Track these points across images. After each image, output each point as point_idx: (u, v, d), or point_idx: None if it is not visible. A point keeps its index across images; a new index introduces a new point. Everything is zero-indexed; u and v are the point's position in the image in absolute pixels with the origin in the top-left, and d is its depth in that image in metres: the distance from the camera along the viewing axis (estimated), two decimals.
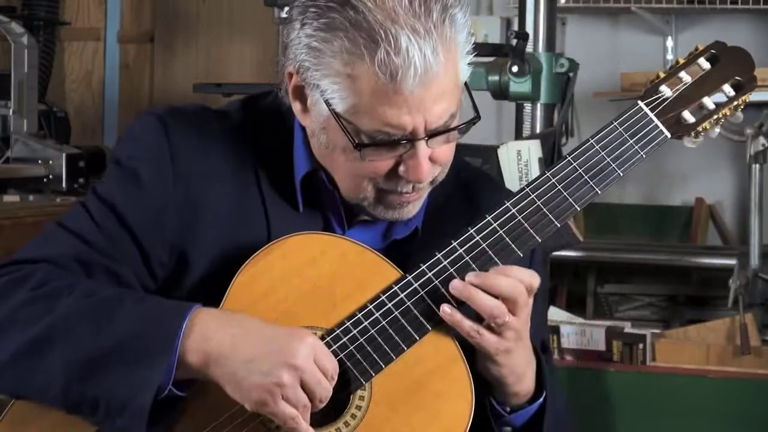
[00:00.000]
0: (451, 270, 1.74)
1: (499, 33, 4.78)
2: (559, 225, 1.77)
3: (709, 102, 1.81)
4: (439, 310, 1.73)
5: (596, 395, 3.38)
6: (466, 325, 1.72)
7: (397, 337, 1.73)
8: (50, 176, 4.33)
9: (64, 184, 4.32)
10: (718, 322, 3.55)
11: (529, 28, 3.33)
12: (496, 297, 1.71)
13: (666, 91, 1.81)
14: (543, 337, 1.95)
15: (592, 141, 1.79)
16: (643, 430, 3.37)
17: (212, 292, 1.73)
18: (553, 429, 1.85)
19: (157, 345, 1.67)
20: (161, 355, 1.66)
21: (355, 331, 1.73)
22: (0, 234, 3.81)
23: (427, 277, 1.74)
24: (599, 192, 1.78)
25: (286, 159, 1.83)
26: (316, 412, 1.71)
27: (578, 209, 1.78)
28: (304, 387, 1.66)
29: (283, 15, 3.44)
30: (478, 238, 1.75)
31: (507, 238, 1.75)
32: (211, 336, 1.67)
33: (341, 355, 1.72)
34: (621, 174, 1.79)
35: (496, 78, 3.21)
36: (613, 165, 1.78)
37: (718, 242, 4.63)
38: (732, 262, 4.01)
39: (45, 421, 1.75)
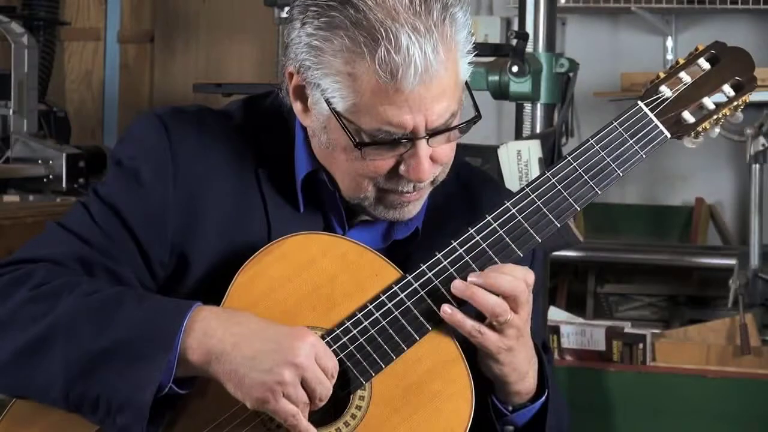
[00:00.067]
0: (451, 270, 1.74)
1: (499, 33, 4.78)
2: (559, 225, 1.77)
3: (709, 102, 1.81)
4: (439, 310, 1.73)
5: (596, 395, 3.39)
6: (468, 324, 1.72)
7: (397, 337, 1.73)
8: (50, 176, 4.33)
9: (64, 184, 4.32)
10: (718, 322, 3.56)
11: (529, 28, 3.33)
12: (497, 295, 1.71)
13: (666, 91, 1.81)
14: (543, 337, 1.95)
15: (592, 141, 1.79)
16: (643, 430, 3.38)
17: (213, 293, 1.73)
18: (555, 428, 1.85)
19: (157, 343, 1.67)
20: (162, 352, 1.66)
21: (355, 331, 1.73)
22: (0, 234, 3.81)
23: (427, 277, 1.74)
24: (599, 192, 1.78)
25: (286, 159, 1.83)
26: (316, 412, 1.71)
27: (578, 209, 1.78)
28: (304, 385, 1.66)
29: (284, 15, 3.44)
30: (478, 238, 1.75)
31: (507, 238, 1.75)
32: (212, 333, 1.67)
33: (341, 355, 1.72)
34: (621, 174, 1.79)
35: (496, 78, 3.21)
36: (613, 165, 1.78)
37: (718, 242, 4.63)
38: (732, 262, 4.02)
39: (45, 420, 1.75)
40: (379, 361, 1.73)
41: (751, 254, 4.07)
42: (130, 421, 1.66)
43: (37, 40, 4.64)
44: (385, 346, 1.73)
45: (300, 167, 1.82)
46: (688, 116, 1.81)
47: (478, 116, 1.76)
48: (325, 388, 1.67)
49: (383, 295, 1.74)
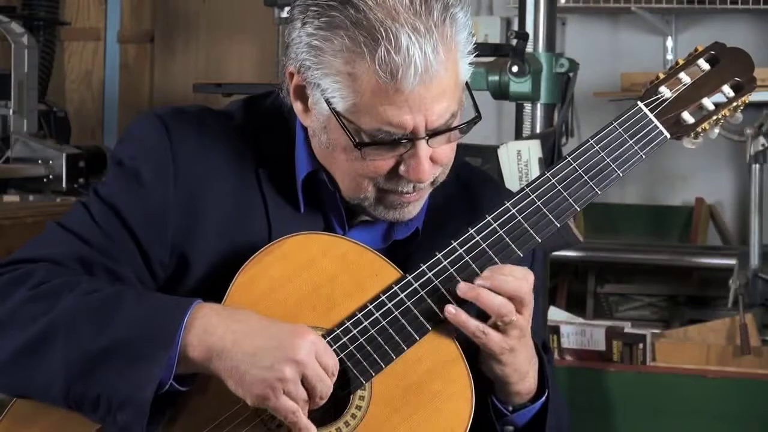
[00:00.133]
0: (451, 270, 1.75)
1: (499, 33, 4.78)
2: (559, 225, 1.77)
3: (708, 103, 1.81)
4: (439, 310, 1.74)
5: (596, 395, 3.39)
6: (472, 324, 1.73)
7: (397, 337, 1.73)
8: (50, 176, 4.33)
9: (64, 184, 4.32)
10: (718, 322, 3.56)
11: (529, 28, 3.33)
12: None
13: (665, 91, 1.81)
14: (543, 337, 1.95)
15: (591, 141, 1.79)
16: (643, 430, 3.38)
17: (213, 293, 1.73)
18: (555, 428, 1.85)
19: (157, 340, 1.67)
20: (162, 349, 1.66)
21: (355, 331, 1.73)
22: (0, 234, 3.81)
23: (427, 277, 1.74)
24: (599, 192, 1.78)
25: (287, 159, 1.83)
26: (317, 411, 1.71)
27: (578, 209, 1.78)
28: (305, 383, 1.66)
29: (284, 15, 3.44)
30: (478, 238, 1.75)
31: (507, 239, 1.76)
32: (213, 330, 1.67)
33: (341, 355, 1.72)
34: (621, 174, 1.79)
35: (496, 78, 3.21)
36: (613, 165, 1.78)
37: (718, 242, 4.63)
38: (732, 262, 4.02)
39: (46, 419, 1.75)
40: (379, 361, 1.73)
41: (751, 254, 4.07)
42: (130, 419, 1.66)
43: (37, 40, 4.64)
44: (385, 346, 1.73)
45: (300, 167, 1.82)
46: (687, 117, 1.81)
47: (478, 117, 1.76)
48: (326, 386, 1.67)
49: (383, 295, 1.74)
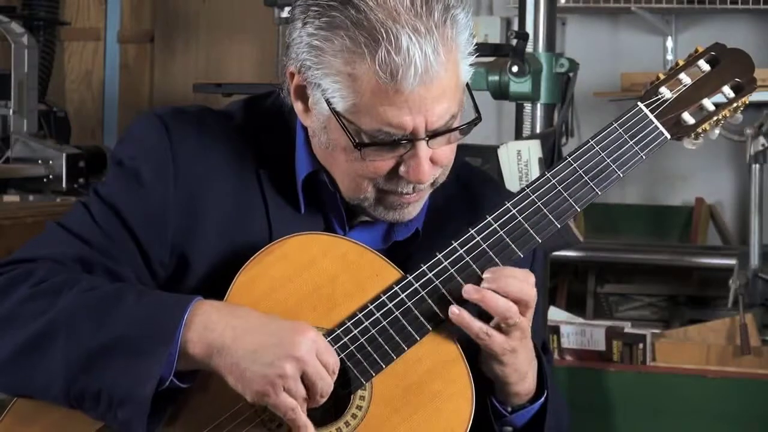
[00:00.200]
0: (452, 270, 1.75)
1: (499, 33, 4.78)
2: (559, 225, 1.77)
3: (708, 103, 1.82)
4: (439, 310, 1.74)
5: (596, 395, 3.39)
6: (476, 326, 1.73)
7: (397, 338, 1.74)
8: (50, 176, 4.33)
9: (64, 184, 4.32)
10: (718, 322, 3.56)
11: (529, 28, 3.33)
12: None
13: (666, 92, 1.81)
14: (543, 338, 1.96)
15: (592, 142, 1.79)
16: (643, 430, 3.38)
17: (213, 293, 1.73)
18: (554, 429, 1.85)
19: (158, 336, 1.67)
20: (162, 346, 1.66)
21: (355, 331, 1.73)
22: (0, 234, 3.81)
23: (427, 277, 1.75)
24: (599, 193, 1.79)
25: (287, 160, 1.83)
26: (317, 411, 1.72)
27: (578, 210, 1.78)
28: (305, 380, 1.66)
29: (284, 15, 3.44)
30: (478, 238, 1.75)
31: (507, 239, 1.76)
32: (213, 327, 1.67)
33: (342, 355, 1.72)
34: (621, 175, 1.79)
35: (496, 78, 3.22)
36: (613, 166, 1.79)
37: (718, 242, 4.63)
38: (732, 262, 4.02)
39: (47, 418, 1.75)
40: (379, 361, 1.73)
41: (751, 254, 4.07)
42: (131, 416, 1.66)
43: (37, 40, 4.64)
44: (386, 346, 1.73)
45: (301, 168, 1.82)
46: (688, 117, 1.81)
47: (478, 118, 1.76)
48: (326, 384, 1.67)
49: (384, 295, 1.74)
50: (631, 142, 1.79)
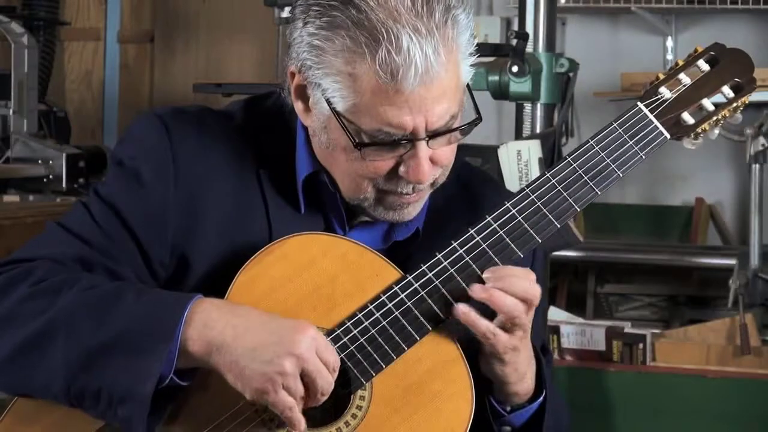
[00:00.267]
0: (452, 270, 1.75)
1: (499, 33, 4.78)
2: (559, 225, 1.77)
3: (708, 103, 1.82)
4: (439, 310, 1.74)
5: (596, 395, 3.39)
6: (483, 325, 1.73)
7: (397, 338, 1.74)
8: (50, 176, 4.33)
9: (64, 184, 4.32)
10: (718, 322, 3.56)
11: (529, 28, 3.33)
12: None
13: (665, 92, 1.81)
14: (543, 339, 1.96)
15: (591, 142, 1.79)
16: (643, 430, 3.38)
17: (213, 293, 1.73)
18: (552, 428, 1.85)
19: (158, 334, 1.67)
20: (162, 344, 1.66)
21: (355, 331, 1.73)
22: (0, 234, 3.81)
23: (427, 277, 1.75)
24: (599, 193, 1.79)
25: (288, 160, 1.83)
26: (317, 411, 1.72)
27: (578, 210, 1.78)
28: (304, 378, 1.66)
29: (284, 15, 3.44)
30: (478, 238, 1.75)
31: (507, 239, 1.76)
32: (213, 325, 1.67)
33: (342, 355, 1.72)
34: (621, 175, 1.79)
35: (496, 78, 3.22)
36: (613, 166, 1.79)
37: (718, 242, 4.63)
38: (732, 262, 4.02)
39: (48, 418, 1.75)
40: (379, 361, 1.73)
41: (751, 254, 4.07)
42: (131, 413, 1.66)
43: (37, 40, 4.64)
44: (386, 346, 1.73)
45: (301, 168, 1.82)
46: (687, 117, 1.81)
47: (478, 118, 1.76)
48: (326, 382, 1.67)
49: (384, 295, 1.74)
50: (630, 142, 1.79)
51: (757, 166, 4.13)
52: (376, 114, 1.69)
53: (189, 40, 5.21)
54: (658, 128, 1.80)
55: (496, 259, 1.75)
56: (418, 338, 1.74)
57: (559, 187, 1.77)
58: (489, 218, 1.76)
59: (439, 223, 1.85)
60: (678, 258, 4.36)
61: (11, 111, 4.40)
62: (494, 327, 1.73)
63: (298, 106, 1.78)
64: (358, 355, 1.73)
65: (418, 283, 1.74)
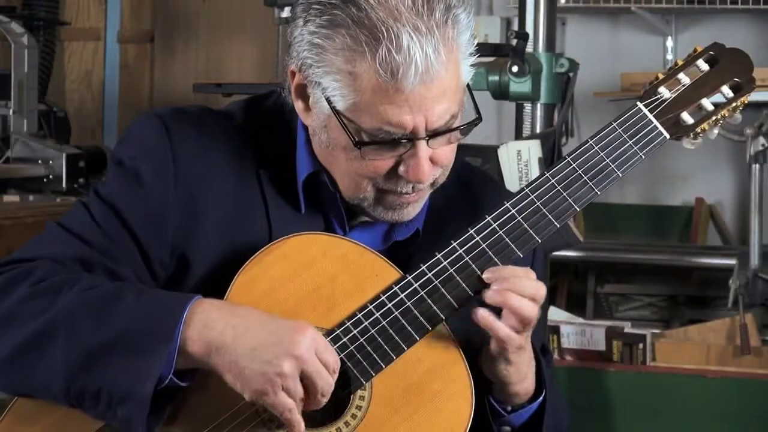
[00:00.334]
0: (451, 270, 1.75)
1: (499, 33, 4.78)
2: (558, 225, 1.77)
3: (707, 103, 1.82)
4: (439, 310, 1.74)
5: (596, 395, 3.39)
6: (502, 328, 1.72)
7: (397, 338, 1.74)
8: (50, 176, 4.33)
9: (64, 184, 4.32)
10: (718, 322, 3.56)
11: (529, 28, 3.34)
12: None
13: (665, 92, 1.81)
14: (543, 339, 1.96)
15: (591, 142, 1.79)
16: (643, 430, 3.38)
17: (213, 293, 1.73)
18: (552, 428, 1.85)
19: (157, 334, 1.67)
20: (161, 344, 1.66)
21: (355, 331, 1.73)
22: (0, 234, 3.81)
23: (427, 277, 1.75)
24: (599, 193, 1.79)
25: (288, 160, 1.83)
26: (317, 412, 1.71)
27: (578, 210, 1.78)
28: (304, 379, 1.66)
29: (284, 15, 3.45)
30: (478, 238, 1.75)
31: (507, 239, 1.76)
32: (213, 325, 1.67)
33: (341, 355, 1.72)
34: (620, 175, 1.79)
35: (496, 78, 3.22)
36: (613, 166, 1.79)
37: (718, 242, 4.63)
38: (732, 262, 4.02)
39: (48, 418, 1.75)
40: (379, 361, 1.73)
41: (751, 254, 4.07)
42: (130, 413, 1.66)
43: (37, 40, 4.64)
44: (386, 347, 1.73)
45: (301, 168, 1.82)
46: (687, 117, 1.81)
47: (478, 118, 1.76)
48: (326, 382, 1.67)
49: (383, 295, 1.74)
50: (630, 142, 1.79)
51: (757, 166, 4.13)
52: (376, 113, 1.69)
53: (189, 40, 5.21)
54: (657, 128, 1.80)
55: (495, 259, 1.75)
56: (417, 338, 1.74)
57: (558, 187, 1.77)
58: (489, 218, 1.76)
59: (439, 223, 1.85)
60: (678, 258, 4.36)
61: (11, 111, 4.40)
62: (509, 329, 1.73)
63: (299, 105, 1.78)
64: (358, 356, 1.73)
65: (418, 283, 1.74)
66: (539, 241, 1.77)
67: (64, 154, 4.33)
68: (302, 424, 1.67)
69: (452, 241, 1.75)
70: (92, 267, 1.76)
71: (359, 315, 1.74)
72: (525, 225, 1.76)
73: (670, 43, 4.70)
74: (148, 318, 1.68)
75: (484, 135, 4.27)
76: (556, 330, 3.43)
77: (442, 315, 1.74)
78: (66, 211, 1.85)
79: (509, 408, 1.83)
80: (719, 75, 1.82)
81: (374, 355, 1.73)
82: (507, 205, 1.76)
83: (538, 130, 3.28)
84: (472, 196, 1.91)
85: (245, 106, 1.89)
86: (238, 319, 1.68)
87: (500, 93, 3.23)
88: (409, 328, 1.74)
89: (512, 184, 2.95)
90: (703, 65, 1.82)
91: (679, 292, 4.43)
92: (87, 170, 4.42)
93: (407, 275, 1.75)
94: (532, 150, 3.04)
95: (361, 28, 1.66)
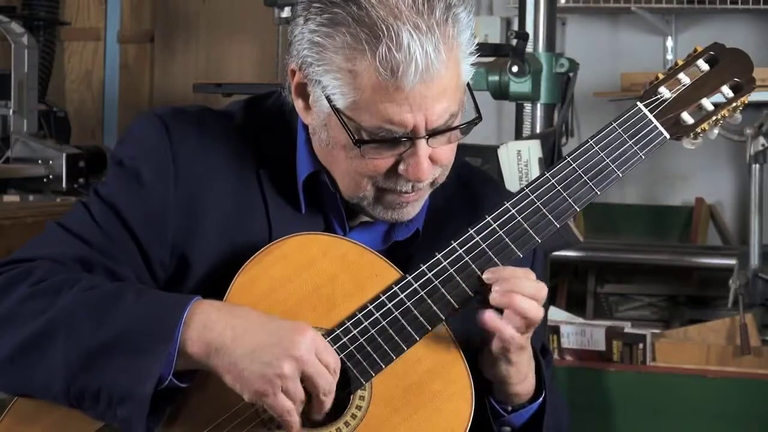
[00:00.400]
0: (451, 270, 1.75)
1: (499, 33, 4.78)
2: (558, 226, 1.77)
3: (707, 103, 1.82)
4: (439, 310, 1.74)
5: (596, 395, 3.39)
6: (508, 329, 1.72)
7: (397, 338, 1.74)
8: (50, 176, 4.33)
9: (64, 184, 4.33)
10: (718, 322, 3.56)
11: (529, 28, 3.34)
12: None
13: (665, 92, 1.81)
14: (543, 339, 1.96)
15: (591, 142, 1.79)
16: (643, 430, 3.38)
17: (213, 293, 1.73)
18: (552, 428, 1.85)
19: (157, 335, 1.67)
20: (161, 344, 1.66)
21: (355, 332, 1.73)
22: (0, 234, 3.81)
23: (427, 277, 1.75)
24: (599, 193, 1.78)
25: (288, 160, 1.83)
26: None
27: (578, 210, 1.78)
28: (305, 380, 1.66)
29: (284, 15, 3.45)
30: (477, 238, 1.75)
31: (507, 239, 1.76)
32: (212, 326, 1.67)
33: (341, 355, 1.72)
34: (620, 175, 1.79)
35: (496, 78, 3.22)
36: (613, 166, 1.79)
37: (718, 242, 4.63)
38: (732, 262, 4.02)
39: (48, 418, 1.75)
40: (379, 361, 1.73)
41: (751, 254, 4.07)
42: (130, 414, 1.66)
43: (37, 40, 4.64)
44: (385, 347, 1.73)
45: (301, 168, 1.82)
46: (687, 117, 1.81)
47: (478, 118, 1.76)
48: (327, 382, 1.67)
49: (383, 295, 1.74)
50: (630, 142, 1.79)
51: (757, 166, 4.13)
52: (376, 111, 1.69)
53: (189, 40, 5.21)
54: (657, 128, 1.80)
55: (495, 259, 1.75)
56: (417, 338, 1.74)
57: (558, 187, 1.77)
58: (489, 218, 1.76)
59: (439, 223, 1.85)
60: (678, 258, 4.36)
61: (11, 111, 4.40)
62: (514, 330, 1.73)
63: (299, 104, 1.78)
64: (358, 356, 1.73)
65: (418, 283, 1.74)
66: (539, 241, 1.77)
67: (64, 154, 4.33)
68: (298, 425, 1.67)
69: (452, 241, 1.75)
70: (92, 267, 1.76)
71: (359, 315, 1.74)
72: (525, 225, 1.76)
73: (670, 43, 4.70)
74: (148, 318, 1.68)
75: (484, 135, 4.27)
76: (556, 330, 3.43)
77: (442, 315, 1.74)
78: (66, 211, 1.85)
79: (509, 408, 1.83)
80: (719, 75, 1.82)
81: (374, 355, 1.73)
82: (507, 205, 1.76)
83: (538, 130, 3.28)
84: (472, 196, 1.91)
85: (245, 106, 1.89)
86: (238, 319, 1.68)
87: (500, 93, 3.23)
88: (409, 328, 1.74)
89: (512, 184, 2.95)
90: (703, 65, 1.82)
91: (679, 292, 4.43)
92: (87, 170, 4.42)
93: (407, 275, 1.75)
94: (532, 150, 3.04)
95: (361, 26, 1.66)
